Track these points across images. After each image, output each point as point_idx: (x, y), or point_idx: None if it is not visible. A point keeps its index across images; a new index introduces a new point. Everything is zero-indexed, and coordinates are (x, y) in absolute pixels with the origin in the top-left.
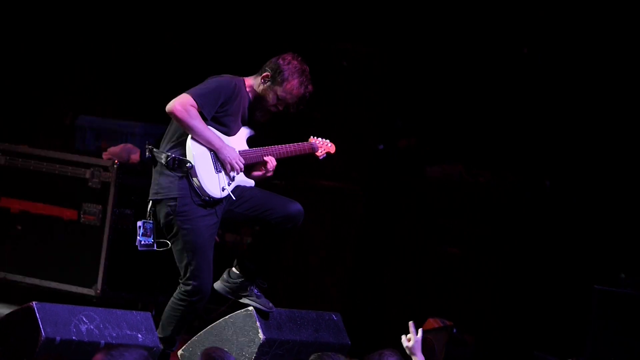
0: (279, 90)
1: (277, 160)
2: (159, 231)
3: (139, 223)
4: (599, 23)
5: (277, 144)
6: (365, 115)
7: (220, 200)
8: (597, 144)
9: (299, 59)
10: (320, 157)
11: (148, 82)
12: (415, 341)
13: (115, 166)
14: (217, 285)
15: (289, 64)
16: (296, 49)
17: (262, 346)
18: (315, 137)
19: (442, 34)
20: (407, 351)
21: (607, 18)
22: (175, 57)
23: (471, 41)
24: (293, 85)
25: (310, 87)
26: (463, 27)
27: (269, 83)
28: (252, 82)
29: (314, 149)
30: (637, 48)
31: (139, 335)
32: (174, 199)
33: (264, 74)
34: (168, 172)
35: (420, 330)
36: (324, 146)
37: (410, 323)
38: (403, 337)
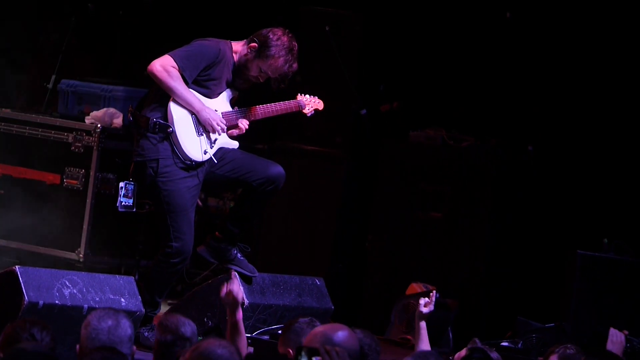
0: (263, 65)
1: (263, 120)
2: (141, 193)
3: (121, 184)
4: None
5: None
6: (347, 79)
7: (202, 163)
8: (581, 108)
9: (290, 35)
10: (309, 114)
11: (130, 45)
12: (430, 310)
13: (97, 130)
14: (201, 249)
15: (278, 39)
16: (278, 12)
17: (246, 311)
18: (303, 94)
19: None
20: (418, 315)
21: None
22: (158, 19)
23: (454, 4)
24: (278, 62)
25: (295, 65)
26: None
27: (254, 54)
28: (239, 49)
29: (301, 107)
30: (619, 12)
31: (122, 300)
32: (156, 160)
33: (252, 44)
34: (150, 134)
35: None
36: (311, 103)
37: (434, 293)
38: (422, 300)
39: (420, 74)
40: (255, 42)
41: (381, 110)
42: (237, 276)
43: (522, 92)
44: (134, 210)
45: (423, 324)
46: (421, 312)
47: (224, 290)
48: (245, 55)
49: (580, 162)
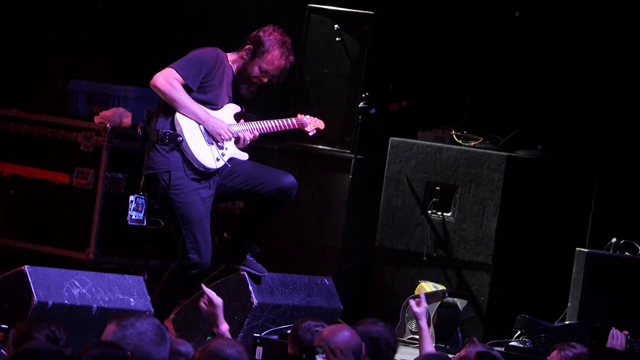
0: (261, 62)
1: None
2: (151, 208)
3: (132, 198)
4: None
5: (266, 115)
6: (357, 79)
7: (214, 171)
8: (590, 105)
9: (280, 30)
10: (310, 133)
11: (140, 46)
12: (424, 307)
13: (107, 130)
14: None
15: (270, 35)
16: (288, 12)
17: (255, 311)
18: (303, 115)
19: None
20: (414, 316)
21: None
22: (165, 18)
23: (463, 3)
24: (274, 55)
25: (291, 57)
26: None
27: (250, 55)
28: (235, 57)
29: (302, 125)
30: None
31: (131, 300)
32: (167, 172)
33: (246, 46)
34: (159, 146)
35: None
36: (312, 123)
37: (421, 291)
38: (412, 301)
39: (429, 73)
40: (249, 43)
41: (390, 109)
42: (211, 291)
43: (531, 91)
44: (144, 224)
45: (423, 323)
46: (416, 312)
47: (202, 305)
48: (242, 58)
49: (589, 160)
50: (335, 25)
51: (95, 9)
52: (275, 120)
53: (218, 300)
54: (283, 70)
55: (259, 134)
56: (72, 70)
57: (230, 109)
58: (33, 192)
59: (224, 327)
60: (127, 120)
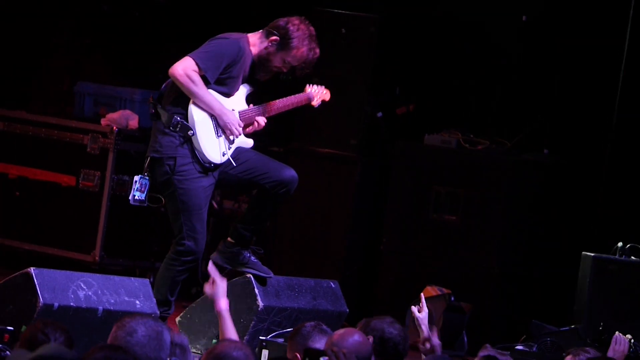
0: (287, 56)
1: (277, 115)
2: (154, 189)
3: (136, 178)
4: None
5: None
6: (363, 82)
7: (219, 165)
8: (597, 110)
9: (307, 22)
10: (316, 106)
11: (147, 48)
12: (426, 312)
13: (113, 132)
14: (214, 256)
15: (298, 30)
16: (294, 13)
17: (260, 313)
18: (310, 85)
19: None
20: (416, 321)
21: None
22: (174, 21)
23: (471, 7)
24: (302, 52)
25: (317, 50)
26: None
27: (276, 47)
28: (257, 41)
29: (310, 99)
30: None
31: (137, 302)
32: (173, 158)
33: (272, 37)
34: (169, 131)
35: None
36: (319, 94)
37: (422, 295)
38: (413, 307)
39: (435, 77)
40: (275, 34)
41: (397, 112)
42: (215, 271)
43: (538, 94)
44: (146, 204)
45: (425, 328)
46: (417, 317)
47: (207, 288)
48: (266, 48)
49: (595, 164)
50: (342, 29)
51: (100, 9)
52: (285, 99)
53: (221, 280)
54: (309, 63)
55: (272, 115)
56: (77, 71)
57: (243, 91)
58: (39, 194)
59: (223, 303)
60: (134, 122)
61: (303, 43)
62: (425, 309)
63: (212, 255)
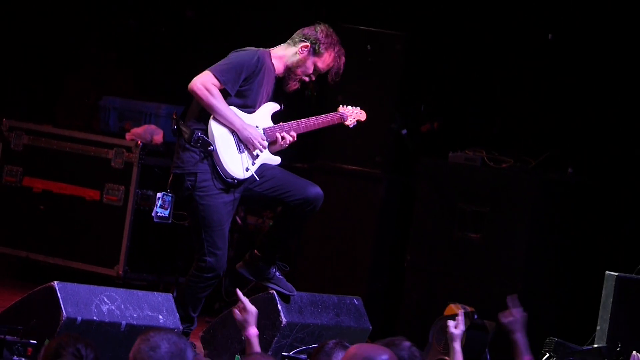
0: (318, 62)
1: (305, 134)
2: (178, 206)
3: (159, 195)
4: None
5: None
6: (388, 99)
7: (243, 181)
8: (622, 128)
9: (332, 29)
10: (351, 126)
11: (172, 63)
12: (462, 330)
13: (138, 147)
14: (240, 267)
15: (327, 36)
16: None
17: (283, 329)
18: (345, 106)
19: (466, 18)
20: (449, 336)
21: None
22: (200, 37)
23: (496, 26)
24: (331, 57)
25: (343, 58)
26: (488, 12)
27: (306, 53)
28: (283, 53)
29: (343, 119)
30: None
31: (160, 317)
32: (194, 174)
33: (303, 44)
34: (190, 147)
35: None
36: (353, 114)
37: (460, 312)
38: (450, 322)
39: (461, 95)
40: (305, 41)
41: (422, 130)
42: (245, 299)
43: (563, 114)
44: (170, 221)
45: (457, 345)
46: (452, 333)
47: (236, 312)
48: (296, 54)
49: (619, 183)
50: (368, 46)
51: (127, 24)
52: (315, 117)
53: (252, 307)
54: (337, 71)
55: (300, 133)
56: (103, 86)
57: (268, 109)
58: (63, 207)
59: (253, 330)
60: (159, 137)
61: (332, 48)
62: (462, 327)
63: (238, 265)
